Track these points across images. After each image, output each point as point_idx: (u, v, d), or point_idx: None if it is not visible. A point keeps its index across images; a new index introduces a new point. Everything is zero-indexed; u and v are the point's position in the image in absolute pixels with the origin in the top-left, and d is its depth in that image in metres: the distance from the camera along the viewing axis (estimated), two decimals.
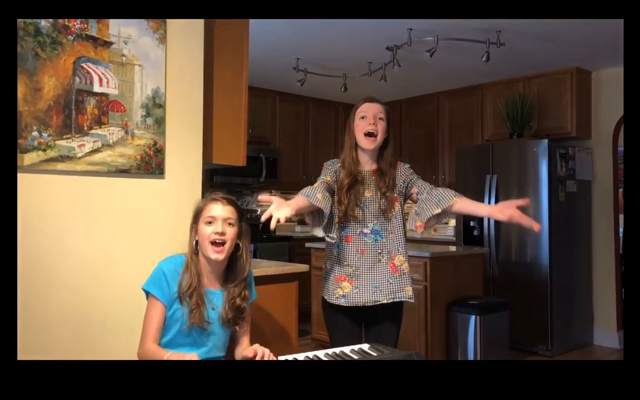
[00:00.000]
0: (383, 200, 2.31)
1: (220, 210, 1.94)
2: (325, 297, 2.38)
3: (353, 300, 2.29)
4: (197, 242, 1.96)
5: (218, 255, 1.91)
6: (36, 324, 2.14)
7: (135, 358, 1.94)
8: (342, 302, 2.30)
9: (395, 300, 2.30)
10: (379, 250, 2.30)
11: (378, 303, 2.29)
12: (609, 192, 5.20)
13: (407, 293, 2.32)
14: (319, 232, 2.24)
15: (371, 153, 2.35)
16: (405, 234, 2.38)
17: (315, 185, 2.25)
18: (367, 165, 2.37)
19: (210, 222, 1.92)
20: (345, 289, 2.30)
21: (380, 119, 2.31)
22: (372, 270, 2.29)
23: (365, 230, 2.30)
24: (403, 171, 2.40)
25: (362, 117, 2.32)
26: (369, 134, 2.30)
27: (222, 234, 1.90)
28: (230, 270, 2.00)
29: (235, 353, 2.04)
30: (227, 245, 1.92)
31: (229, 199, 1.98)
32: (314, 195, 2.15)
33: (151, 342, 1.89)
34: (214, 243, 1.90)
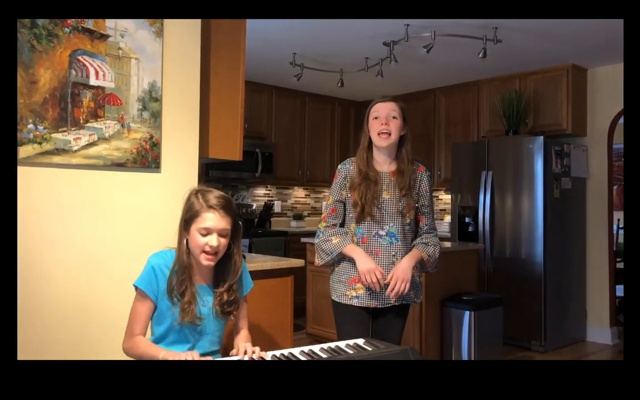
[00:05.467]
0: (402, 202, 2.32)
1: (217, 221, 1.84)
2: (335, 298, 2.40)
3: (365, 303, 2.33)
4: (187, 240, 1.90)
5: (209, 262, 1.87)
6: (32, 318, 2.14)
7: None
8: (355, 302, 2.33)
9: (402, 302, 2.37)
10: (393, 253, 2.32)
11: (388, 305, 2.34)
12: (603, 189, 5.23)
13: (409, 295, 2.38)
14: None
15: (388, 152, 2.33)
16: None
17: (325, 225, 2.39)
18: (385, 165, 2.35)
19: (204, 234, 1.84)
20: (358, 291, 2.33)
21: (393, 117, 2.29)
22: (386, 272, 2.30)
23: (381, 232, 2.32)
24: (423, 183, 2.39)
25: (376, 117, 2.31)
26: (382, 133, 2.30)
27: (217, 246, 1.84)
28: (221, 268, 1.95)
29: (234, 344, 2.04)
30: (219, 255, 1.88)
31: (225, 207, 1.87)
32: (333, 246, 2.35)
33: (140, 336, 1.87)
34: (206, 252, 1.86)
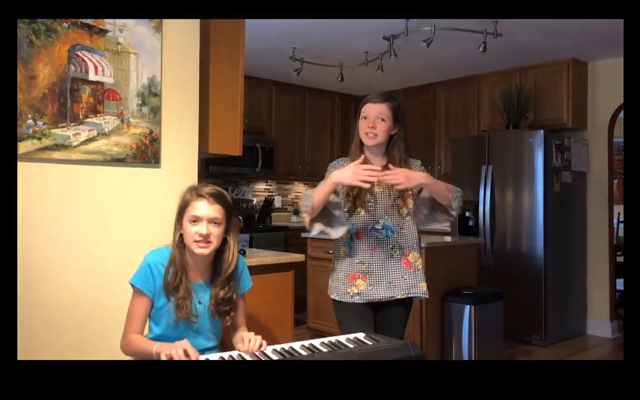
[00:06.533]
0: (394, 195, 2.31)
1: (206, 209, 1.85)
2: (336, 297, 2.36)
3: (368, 297, 2.30)
4: (181, 235, 1.91)
5: (202, 250, 1.86)
6: (31, 313, 2.14)
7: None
8: (357, 299, 2.30)
9: (409, 296, 2.34)
10: (391, 246, 2.31)
11: (393, 299, 2.32)
12: (603, 183, 5.22)
13: (421, 289, 2.36)
14: (340, 230, 2.26)
15: (377, 150, 2.34)
16: (418, 231, 2.40)
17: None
18: (376, 161, 2.34)
19: (194, 222, 1.85)
20: (360, 287, 2.30)
21: (382, 120, 2.28)
22: (386, 266, 2.30)
23: (377, 226, 2.30)
24: (414, 169, 2.36)
25: (365, 117, 2.32)
26: (368, 134, 2.30)
27: (207, 235, 1.84)
28: (216, 264, 1.95)
29: (233, 342, 2.04)
30: (212, 245, 1.87)
31: (216, 196, 1.88)
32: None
33: (134, 334, 1.87)
34: (197, 241, 1.86)
